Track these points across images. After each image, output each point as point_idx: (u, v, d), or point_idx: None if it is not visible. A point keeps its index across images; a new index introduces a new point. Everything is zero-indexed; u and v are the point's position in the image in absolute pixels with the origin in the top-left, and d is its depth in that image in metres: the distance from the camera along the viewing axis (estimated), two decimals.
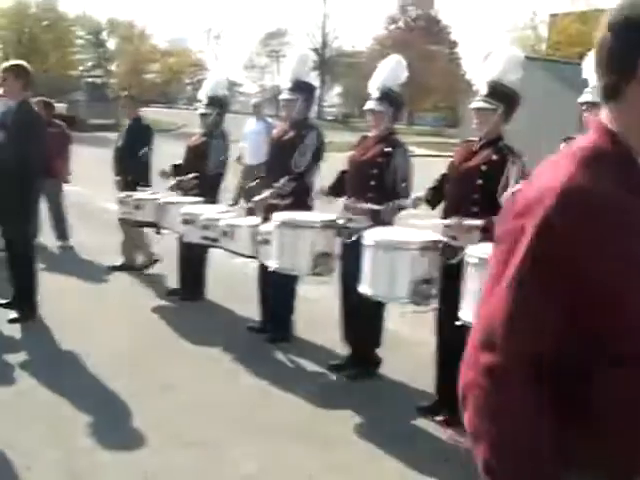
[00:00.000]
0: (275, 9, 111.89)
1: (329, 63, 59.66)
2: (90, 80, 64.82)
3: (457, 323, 4.15)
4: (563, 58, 30.39)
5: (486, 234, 4.50)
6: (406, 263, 4.54)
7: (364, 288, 4.72)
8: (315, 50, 52.13)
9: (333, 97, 69.98)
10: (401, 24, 69.43)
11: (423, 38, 52.86)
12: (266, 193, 6.13)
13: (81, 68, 47.89)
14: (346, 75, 69.68)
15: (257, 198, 6.26)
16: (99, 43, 72.10)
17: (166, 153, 9.29)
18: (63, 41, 43.89)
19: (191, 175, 7.26)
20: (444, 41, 64.63)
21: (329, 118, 60.21)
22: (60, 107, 40.01)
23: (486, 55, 5.05)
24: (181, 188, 7.35)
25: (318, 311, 6.98)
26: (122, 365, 5.55)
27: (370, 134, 5.62)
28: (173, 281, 7.66)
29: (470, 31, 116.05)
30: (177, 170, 7.51)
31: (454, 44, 68.46)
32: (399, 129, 5.59)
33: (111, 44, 67.25)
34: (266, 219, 5.83)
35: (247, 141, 10.44)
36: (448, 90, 52.59)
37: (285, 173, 6.05)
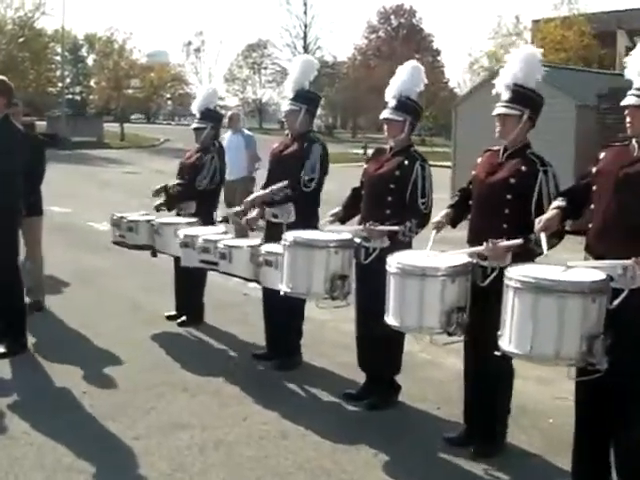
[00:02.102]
0: (255, 20, 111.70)
1: None
2: (70, 97, 64.57)
3: (496, 353, 3.77)
4: (548, 63, 30.17)
5: (517, 254, 4.17)
6: (436, 291, 4.14)
7: (390, 320, 4.32)
8: None
9: None
10: (382, 33, 69.56)
11: (405, 47, 52.70)
12: (256, 194, 5.84)
13: (60, 85, 47.20)
14: (328, 86, 69.60)
15: (248, 199, 5.92)
16: (78, 59, 71.69)
17: (150, 169, 8.83)
18: (41, 58, 43.22)
19: (175, 181, 6.90)
20: (427, 49, 64.67)
21: (314, 130, 59.83)
22: (41, 125, 39.75)
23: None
24: (168, 201, 6.92)
25: (327, 333, 6.60)
26: (121, 404, 5.11)
27: (385, 146, 5.25)
28: (170, 306, 7.23)
29: (452, 39, 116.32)
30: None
31: (437, 52, 68.62)
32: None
33: (90, 60, 66.95)
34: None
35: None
36: (432, 99, 52.39)
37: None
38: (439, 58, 68.76)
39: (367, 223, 4.94)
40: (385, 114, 5.11)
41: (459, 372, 4.74)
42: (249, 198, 5.97)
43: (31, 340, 6.21)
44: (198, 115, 7.07)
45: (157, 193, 7.06)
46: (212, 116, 7.10)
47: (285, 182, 5.66)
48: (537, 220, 3.91)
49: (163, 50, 74.11)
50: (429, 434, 4.77)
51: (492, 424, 4.49)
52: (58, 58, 47.30)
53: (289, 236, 4.93)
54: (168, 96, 64.80)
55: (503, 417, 4.52)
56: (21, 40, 41.39)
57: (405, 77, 5.13)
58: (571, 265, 3.69)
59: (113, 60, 47.77)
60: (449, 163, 17.94)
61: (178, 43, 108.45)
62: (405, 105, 5.08)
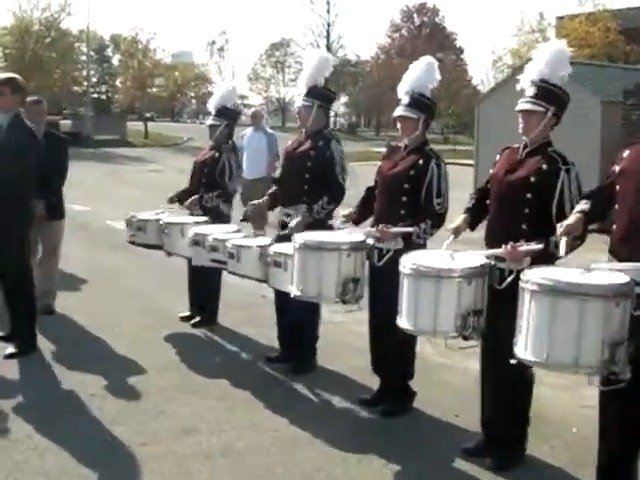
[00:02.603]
0: (279, 19, 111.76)
1: (334, 72, 59.14)
2: (95, 96, 64.95)
3: (512, 361, 3.60)
4: (572, 59, 29.79)
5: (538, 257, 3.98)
6: (452, 294, 3.97)
7: (403, 322, 4.16)
8: None
9: (339, 107, 69.49)
10: (405, 32, 69.25)
11: (428, 45, 52.38)
12: (300, 218, 5.52)
13: (85, 84, 47.49)
14: (351, 84, 69.47)
15: (292, 224, 5.54)
16: (104, 59, 72.14)
17: (173, 167, 8.73)
18: (67, 57, 43.48)
19: (215, 192, 6.75)
20: (450, 48, 64.24)
21: (336, 128, 59.83)
22: (65, 123, 40.06)
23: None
24: (202, 207, 6.79)
25: (343, 335, 6.46)
26: (130, 407, 5.01)
27: (400, 144, 5.08)
28: (186, 307, 7.12)
29: (476, 37, 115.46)
30: (184, 194, 7.04)
31: (460, 50, 68.14)
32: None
33: (115, 60, 67.28)
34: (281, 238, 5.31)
35: (245, 154, 9.93)
36: (455, 97, 52.05)
37: (300, 188, 5.56)
38: (462, 56, 68.40)
39: (380, 225, 4.79)
40: (398, 111, 4.95)
41: (479, 377, 4.55)
42: (293, 224, 5.53)
43: (42, 340, 6.12)
44: (214, 112, 6.97)
45: (172, 202, 7.00)
46: (228, 114, 6.99)
47: (325, 198, 5.47)
48: (559, 225, 3.73)
49: (188, 50, 74.56)
50: (445, 444, 4.59)
51: (511, 434, 4.31)
52: (84, 58, 47.56)
53: (299, 238, 4.78)
54: (192, 95, 64.87)
55: (522, 427, 4.33)
56: (47, 40, 41.68)
57: (419, 73, 4.96)
58: (594, 267, 3.52)
59: (138, 60, 47.94)
60: (472, 161, 17.73)
61: (202, 43, 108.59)
62: (419, 102, 4.91)
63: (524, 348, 3.47)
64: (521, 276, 3.54)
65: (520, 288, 3.52)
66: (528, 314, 3.44)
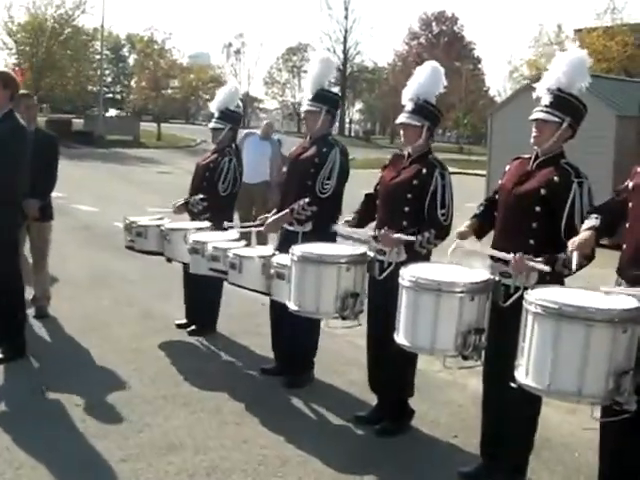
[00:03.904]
0: (296, 24, 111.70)
1: (350, 79, 59.15)
2: (110, 96, 65.04)
3: (512, 385, 3.41)
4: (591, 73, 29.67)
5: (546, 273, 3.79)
6: (453, 309, 3.79)
7: (400, 338, 3.98)
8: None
9: (354, 113, 69.44)
10: (422, 40, 69.15)
11: (446, 54, 52.19)
12: (279, 215, 5.52)
13: (99, 83, 47.61)
14: (367, 91, 69.38)
15: (270, 219, 5.63)
16: (120, 59, 72.32)
17: (184, 169, 8.58)
18: (80, 56, 43.49)
19: (199, 196, 6.58)
20: (467, 57, 64.02)
21: (351, 134, 59.71)
22: (77, 122, 40.16)
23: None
24: (189, 211, 6.66)
25: (340, 348, 6.26)
26: (115, 419, 4.82)
27: (403, 152, 4.90)
28: (182, 314, 6.96)
29: (493, 47, 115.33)
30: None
31: (478, 60, 67.94)
32: None
33: (131, 60, 67.38)
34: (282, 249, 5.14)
35: (245, 158, 9.80)
36: (471, 106, 51.88)
37: (303, 194, 5.39)
38: (480, 66, 68.21)
39: (382, 229, 4.60)
40: (401, 118, 4.78)
41: (479, 394, 4.37)
42: (270, 220, 5.62)
43: (30, 346, 5.91)
44: (217, 114, 6.80)
45: (179, 210, 6.82)
46: (231, 116, 6.83)
47: (307, 199, 5.34)
48: (570, 242, 3.54)
49: (205, 52, 74.66)
50: (442, 466, 4.40)
51: (512, 461, 4.11)
52: (98, 56, 47.63)
53: (297, 250, 4.61)
54: (207, 97, 64.91)
55: (524, 452, 4.13)
56: (61, 38, 41.62)
57: (423, 79, 4.79)
58: (604, 291, 3.32)
59: (153, 60, 47.95)
60: (485, 172, 17.53)
61: (219, 45, 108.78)
62: (423, 109, 4.73)
63: (525, 373, 3.31)
64: (525, 296, 3.35)
65: (524, 309, 3.33)
66: (531, 337, 3.27)
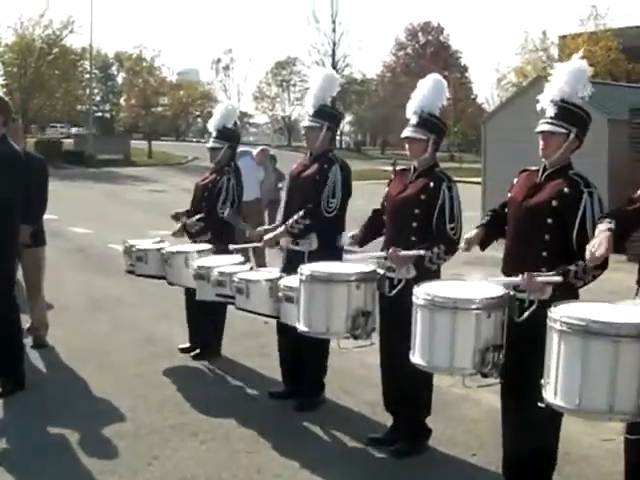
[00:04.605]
0: (284, 38, 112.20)
1: (340, 91, 59.13)
2: (99, 114, 64.96)
3: (540, 405, 3.28)
4: None
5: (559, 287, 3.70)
6: (470, 327, 3.68)
7: (417, 359, 3.86)
8: None
9: (345, 125, 69.53)
10: (410, 50, 69.44)
11: (433, 64, 52.35)
12: (276, 231, 5.42)
13: (89, 103, 47.50)
14: (357, 103, 69.53)
15: (267, 236, 5.52)
16: (108, 77, 72.28)
17: (177, 187, 8.45)
18: (69, 75, 43.35)
19: (196, 217, 6.44)
20: (455, 66, 64.23)
21: (342, 146, 59.81)
22: (67, 142, 40.07)
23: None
24: (188, 232, 6.53)
25: (351, 367, 6.12)
26: (122, 452, 4.65)
27: (408, 167, 4.81)
28: (185, 337, 6.80)
29: (480, 55, 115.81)
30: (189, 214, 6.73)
31: (465, 69, 68.21)
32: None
33: (120, 78, 67.33)
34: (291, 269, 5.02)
35: None
36: (460, 115, 51.99)
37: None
38: (467, 74, 68.48)
39: (390, 247, 4.48)
40: (406, 132, 4.68)
41: (495, 410, 4.28)
42: (267, 237, 5.52)
43: (28, 377, 5.72)
44: (214, 134, 6.67)
45: (175, 235, 6.69)
46: (229, 135, 6.70)
47: (301, 212, 5.24)
48: (589, 247, 3.41)
49: (194, 68, 74.72)
50: None
51: (536, 478, 3.98)
52: (87, 76, 47.55)
53: (306, 269, 4.49)
54: (197, 114, 64.86)
55: (548, 469, 4.01)
56: (49, 58, 41.53)
57: (426, 92, 4.70)
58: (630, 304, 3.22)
59: (142, 78, 47.94)
60: (479, 179, 17.49)
61: (208, 61, 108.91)
62: (427, 122, 4.64)
63: (554, 393, 3.18)
64: (549, 314, 3.23)
65: (548, 327, 3.22)
66: (557, 356, 3.15)
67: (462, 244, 4.28)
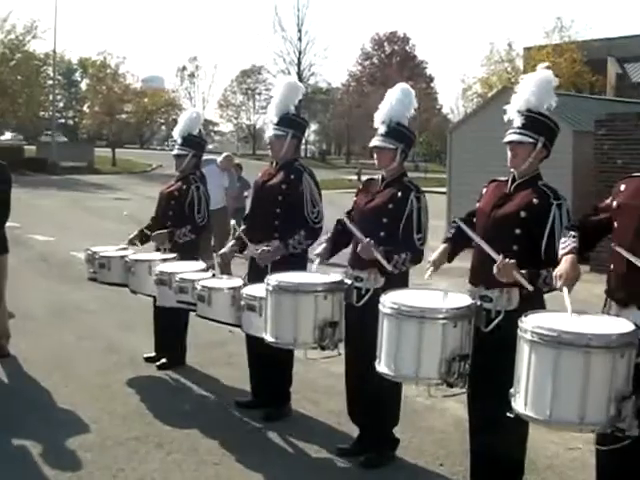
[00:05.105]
0: (250, 46, 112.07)
1: (305, 100, 59.24)
2: (62, 121, 64.21)
3: (509, 415, 3.29)
4: None
5: (526, 294, 3.74)
6: (436, 336, 3.67)
7: (382, 368, 3.84)
8: None
9: (310, 134, 69.63)
10: (375, 60, 69.85)
11: (398, 73, 52.70)
12: (273, 248, 5.23)
13: (52, 109, 46.91)
14: (322, 112, 69.69)
15: (260, 251, 5.22)
16: (71, 83, 71.51)
17: (141, 195, 8.37)
18: (32, 81, 42.76)
19: (165, 231, 6.35)
20: (420, 76, 64.70)
21: (307, 155, 59.84)
22: (30, 149, 39.53)
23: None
24: (172, 242, 6.36)
25: (317, 376, 6.09)
26: (85, 465, 4.54)
27: (376, 176, 4.81)
28: (151, 346, 6.70)
29: (446, 65, 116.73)
30: (150, 227, 6.64)
31: (430, 79, 68.77)
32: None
33: (83, 84, 66.55)
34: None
35: None
36: (425, 125, 52.34)
37: (271, 221, 5.25)
38: (432, 85, 69.01)
39: (366, 240, 4.42)
40: (375, 142, 4.68)
41: (462, 419, 4.30)
42: (259, 250, 5.24)
43: None
44: (179, 141, 6.61)
45: (130, 242, 6.59)
46: (195, 143, 6.65)
47: (302, 232, 5.19)
48: (557, 275, 3.43)
49: (159, 75, 74.13)
50: None
51: None
52: (51, 82, 46.99)
53: (273, 280, 4.45)
54: (162, 121, 64.45)
55: (515, 478, 4.01)
56: (12, 63, 40.94)
57: (395, 101, 4.69)
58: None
59: (107, 85, 47.49)
60: (444, 189, 17.60)
61: (173, 68, 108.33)
62: (396, 132, 4.64)
63: (524, 403, 3.17)
64: (519, 324, 3.24)
65: (518, 337, 3.23)
66: (528, 366, 3.14)
67: (428, 266, 4.23)
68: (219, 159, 11.81)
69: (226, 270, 8.51)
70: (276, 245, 5.19)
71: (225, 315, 4.97)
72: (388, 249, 4.41)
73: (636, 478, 3.35)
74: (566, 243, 3.55)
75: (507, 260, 3.71)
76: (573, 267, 3.42)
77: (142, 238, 6.61)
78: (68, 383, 6.04)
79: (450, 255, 4.29)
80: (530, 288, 3.66)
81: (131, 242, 6.60)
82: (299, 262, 5.16)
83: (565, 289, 3.37)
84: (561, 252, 3.53)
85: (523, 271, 3.70)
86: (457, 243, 4.29)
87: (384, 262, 4.35)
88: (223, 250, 5.66)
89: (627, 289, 3.30)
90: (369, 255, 4.41)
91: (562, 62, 34.93)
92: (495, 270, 3.73)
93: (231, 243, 5.67)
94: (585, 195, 11.33)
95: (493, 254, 3.77)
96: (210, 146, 54.76)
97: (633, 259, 3.20)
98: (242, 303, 4.78)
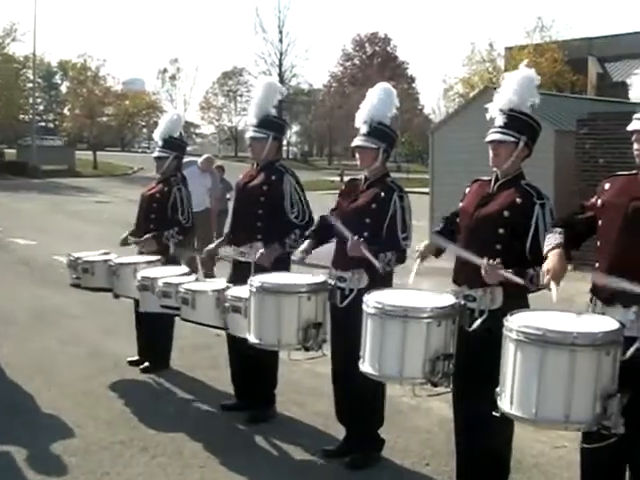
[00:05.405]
0: (231, 48, 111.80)
1: (287, 101, 59.21)
2: (42, 124, 63.76)
3: (495, 414, 3.28)
4: None
5: (510, 293, 3.75)
6: (420, 336, 3.67)
7: (366, 367, 3.83)
8: None
9: (292, 135, 69.61)
10: (357, 61, 69.93)
11: (380, 74, 52.76)
12: (270, 249, 5.20)
13: (32, 112, 46.59)
14: (304, 113, 69.68)
15: (259, 253, 5.18)
16: (51, 86, 71.05)
17: (122, 198, 8.32)
18: (12, 84, 42.43)
19: (175, 229, 6.30)
20: (401, 77, 64.82)
21: (289, 157, 59.83)
22: (10, 153, 39.20)
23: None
24: (159, 244, 6.30)
25: (301, 377, 6.07)
26: (71, 470, 4.51)
27: (359, 176, 4.80)
28: (133, 350, 6.65)
29: (427, 66, 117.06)
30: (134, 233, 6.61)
31: (412, 79, 68.94)
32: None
33: (64, 87, 66.16)
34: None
35: None
36: (407, 125, 52.44)
37: (253, 223, 5.23)
38: (414, 85, 69.20)
39: (355, 237, 4.40)
40: (357, 142, 4.66)
41: (447, 419, 4.30)
42: (258, 254, 5.19)
43: None
44: (160, 143, 6.57)
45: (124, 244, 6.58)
46: (176, 145, 6.62)
47: (297, 231, 5.18)
48: (545, 270, 3.43)
49: (140, 78, 73.86)
50: None
51: None
52: (31, 85, 46.69)
53: (256, 281, 4.43)
54: (143, 124, 64.20)
55: (500, 478, 4.01)
56: None
57: (376, 101, 4.68)
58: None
59: (87, 87, 47.24)
60: (426, 189, 17.63)
61: (154, 71, 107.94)
62: (378, 131, 4.63)
63: (510, 402, 3.17)
64: (505, 323, 3.23)
65: (504, 336, 3.23)
66: (513, 365, 3.13)
67: (417, 257, 4.24)
68: (199, 160, 11.79)
69: (209, 269, 8.46)
70: (272, 246, 5.18)
71: (210, 318, 4.94)
72: (374, 248, 4.41)
73: (621, 476, 3.36)
74: (552, 239, 3.56)
75: (491, 261, 3.70)
76: (560, 262, 3.42)
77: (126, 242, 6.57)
78: (51, 388, 5.99)
79: (438, 250, 4.28)
80: (521, 281, 3.65)
81: (125, 242, 6.58)
82: (283, 263, 5.16)
83: (553, 285, 3.37)
84: (547, 248, 3.54)
85: (510, 270, 3.70)
86: (444, 237, 4.27)
87: (373, 260, 4.35)
88: (210, 246, 5.64)
89: (612, 287, 3.30)
90: (358, 253, 4.39)
91: (543, 62, 35.10)
92: (483, 273, 3.73)
93: (218, 240, 5.70)
94: (567, 194, 11.40)
95: (475, 260, 3.76)
96: (190, 148, 54.55)
97: (614, 283, 3.21)
98: (227, 305, 4.76)
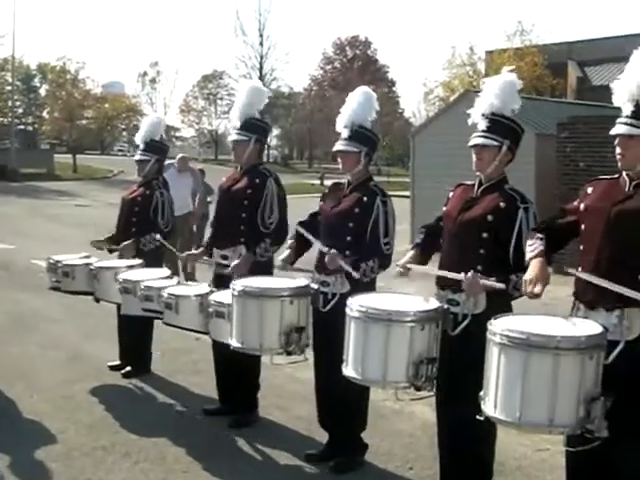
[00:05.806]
0: (211, 51, 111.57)
1: (267, 105, 59.24)
2: (21, 127, 63.29)
3: (479, 418, 3.29)
4: None
5: (493, 297, 3.74)
6: (403, 339, 3.66)
7: (349, 371, 3.82)
8: None
9: (272, 139, 69.50)
10: (337, 64, 70.01)
11: (360, 77, 52.85)
12: (243, 257, 5.19)
13: (10, 115, 46.24)
14: (284, 116, 69.61)
15: (235, 263, 5.18)
16: (30, 89, 70.50)
17: (102, 202, 8.26)
18: None
19: (157, 235, 6.25)
20: (382, 80, 64.96)
21: (269, 160, 59.77)
22: None
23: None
24: (139, 250, 6.28)
25: (283, 382, 6.06)
26: (53, 476, 4.47)
27: (342, 180, 4.80)
28: (116, 354, 6.60)
29: (407, 69, 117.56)
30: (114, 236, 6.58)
31: (392, 83, 69.12)
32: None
33: (43, 90, 65.68)
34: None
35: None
36: (387, 129, 52.55)
37: (237, 226, 5.21)
38: (394, 89, 69.35)
39: (331, 251, 4.41)
40: (338, 146, 4.67)
41: (430, 423, 4.28)
42: (233, 264, 5.19)
43: None
44: (142, 146, 6.56)
45: (99, 246, 6.54)
46: (157, 148, 6.60)
47: (268, 240, 5.18)
48: (526, 280, 3.42)
49: (119, 81, 73.56)
50: None
51: None
52: (9, 88, 46.36)
53: (238, 285, 4.42)
54: (123, 127, 63.88)
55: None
56: None
57: (356, 105, 4.68)
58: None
59: (66, 90, 46.95)
60: (407, 193, 17.66)
61: (133, 74, 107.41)
62: (359, 135, 4.63)
63: (493, 406, 3.16)
64: (489, 327, 3.24)
65: (487, 340, 3.23)
66: (497, 369, 3.13)
67: (397, 269, 4.21)
68: (175, 162, 11.73)
69: (190, 273, 8.41)
70: (244, 255, 5.16)
71: (193, 322, 4.92)
72: (355, 258, 4.41)
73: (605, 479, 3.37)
74: (533, 246, 3.56)
75: (469, 275, 3.71)
76: (542, 271, 3.42)
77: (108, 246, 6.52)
78: (32, 393, 5.93)
79: (421, 261, 4.26)
80: (502, 286, 3.65)
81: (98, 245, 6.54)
82: (266, 268, 5.15)
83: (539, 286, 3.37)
84: (529, 255, 3.54)
85: (492, 278, 3.70)
86: (426, 249, 4.29)
87: (352, 271, 4.34)
88: (193, 251, 5.62)
89: (594, 291, 3.31)
90: (336, 266, 4.41)
91: (523, 65, 35.25)
92: (464, 287, 3.74)
93: (201, 249, 5.67)
94: (548, 198, 11.44)
95: (455, 276, 3.78)
96: (171, 151, 54.39)
97: (596, 280, 3.22)
98: (210, 310, 4.73)
